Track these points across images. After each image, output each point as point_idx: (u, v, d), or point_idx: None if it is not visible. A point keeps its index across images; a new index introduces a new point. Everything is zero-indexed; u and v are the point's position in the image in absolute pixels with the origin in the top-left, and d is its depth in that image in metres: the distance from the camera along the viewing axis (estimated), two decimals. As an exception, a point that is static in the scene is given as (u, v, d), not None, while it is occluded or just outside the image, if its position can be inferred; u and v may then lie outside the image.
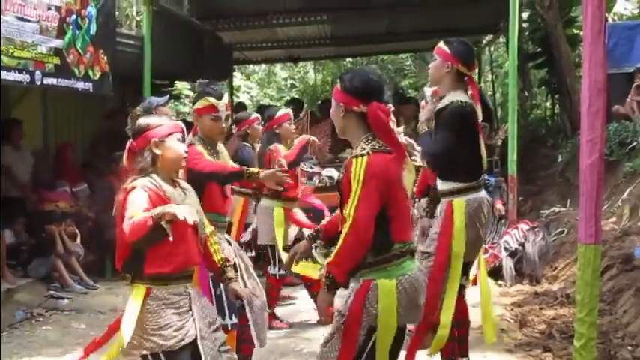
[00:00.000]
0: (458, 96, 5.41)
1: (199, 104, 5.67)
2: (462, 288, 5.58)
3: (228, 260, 4.76)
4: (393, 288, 3.78)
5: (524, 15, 15.09)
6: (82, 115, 12.81)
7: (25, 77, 7.98)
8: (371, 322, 3.80)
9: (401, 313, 3.81)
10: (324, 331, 7.60)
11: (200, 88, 5.88)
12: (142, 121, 4.28)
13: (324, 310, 3.98)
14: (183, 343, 4.05)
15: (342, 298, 3.94)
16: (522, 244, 9.47)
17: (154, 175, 4.10)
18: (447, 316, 5.34)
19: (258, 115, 8.67)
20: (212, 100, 5.60)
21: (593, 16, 4.30)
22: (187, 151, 4.33)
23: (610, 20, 13.32)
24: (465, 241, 5.33)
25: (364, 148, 3.81)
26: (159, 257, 4.03)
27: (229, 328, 5.45)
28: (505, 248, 9.48)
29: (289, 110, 8.28)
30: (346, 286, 3.88)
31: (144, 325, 4.02)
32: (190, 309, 4.17)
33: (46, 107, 11.66)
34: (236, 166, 5.90)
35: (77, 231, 10.29)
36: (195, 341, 4.11)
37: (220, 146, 5.89)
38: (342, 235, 3.74)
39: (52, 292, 9.37)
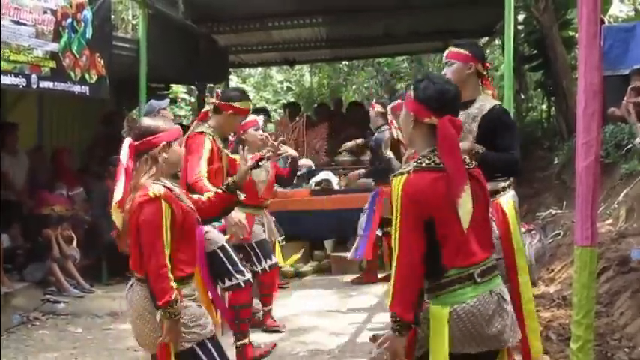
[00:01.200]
0: (489, 99, 5.45)
1: (243, 105, 6.26)
2: None
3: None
4: (445, 316, 3.52)
5: (520, 17, 15.11)
6: (78, 119, 12.81)
7: (21, 81, 7.97)
8: (425, 344, 3.60)
9: (455, 342, 3.51)
10: (320, 335, 7.65)
11: (237, 90, 6.31)
12: (149, 123, 4.36)
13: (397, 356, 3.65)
14: (214, 329, 4.38)
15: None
16: (519, 247, 9.46)
17: (163, 179, 4.27)
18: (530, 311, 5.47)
19: (257, 118, 8.06)
20: (250, 103, 6.30)
21: (589, 18, 4.30)
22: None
23: (606, 22, 13.33)
24: None
25: (409, 166, 3.61)
26: (183, 261, 4.24)
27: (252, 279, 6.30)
28: (502, 250, 9.46)
29: (258, 117, 8.06)
30: (418, 324, 3.61)
31: (183, 322, 4.17)
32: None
33: (41, 111, 11.67)
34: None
35: (73, 235, 10.29)
36: None
37: None
38: (393, 271, 3.56)
39: (48, 296, 9.37)
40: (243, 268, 6.40)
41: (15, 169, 10.16)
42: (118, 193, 4.31)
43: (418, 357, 3.66)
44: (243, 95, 6.39)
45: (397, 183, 3.56)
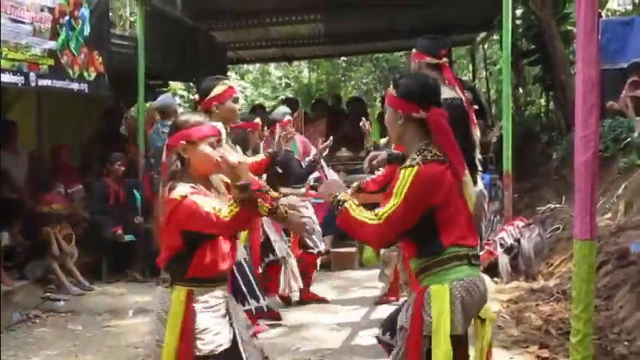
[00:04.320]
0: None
1: (219, 90, 5.47)
2: None
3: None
4: (446, 293, 3.65)
5: (518, 12, 15.12)
6: (77, 116, 12.80)
7: (19, 79, 7.97)
8: (429, 332, 3.65)
9: (456, 321, 3.65)
10: (321, 330, 7.65)
11: (207, 81, 5.66)
12: (182, 117, 4.13)
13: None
14: (221, 348, 3.95)
15: (403, 313, 3.84)
16: (518, 241, 9.47)
17: (188, 180, 3.96)
18: None
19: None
20: (228, 82, 5.55)
21: (587, 12, 4.30)
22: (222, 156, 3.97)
23: (603, 16, 13.33)
24: None
25: (414, 159, 3.70)
26: (204, 261, 3.92)
27: (265, 310, 5.54)
28: (501, 245, 9.47)
29: (288, 115, 8.14)
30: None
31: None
32: (228, 313, 4.08)
33: (40, 108, 11.66)
34: None
35: (72, 232, 10.28)
36: (235, 346, 4.02)
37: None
38: (367, 218, 3.66)
39: (48, 294, 9.35)
40: (259, 293, 6.18)
41: (15, 168, 10.14)
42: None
43: (427, 345, 3.68)
44: (216, 81, 5.66)
45: (408, 173, 3.65)
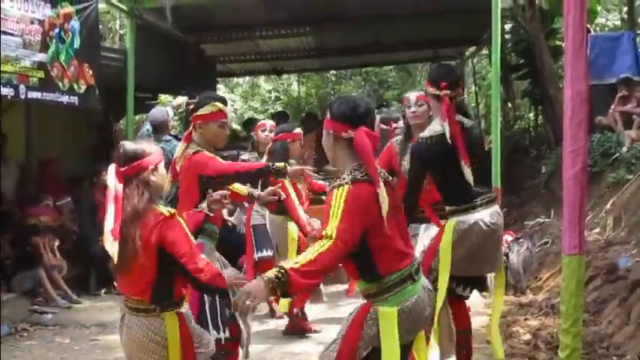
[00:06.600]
0: (431, 127, 5.38)
1: (205, 110, 5.43)
2: (460, 298, 5.67)
3: None
4: (394, 315, 3.70)
5: (507, 27, 15.18)
6: (66, 129, 12.76)
7: (9, 91, 7.95)
8: (371, 343, 3.75)
9: (402, 334, 3.72)
10: (308, 344, 7.63)
11: (203, 96, 5.62)
12: (134, 147, 4.16)
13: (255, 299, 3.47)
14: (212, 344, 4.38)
15: (342, 327, 3.92)
16: (506, 255, 9.45)
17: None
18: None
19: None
20: (220, 105, 5.47)
21: (575, 27, 4.32)
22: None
23: (592, 32, 13.40)
24: (455, 257, 5.29)
25: (344, 178, 3.70)
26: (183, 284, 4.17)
27: (223, 342, 5.35)
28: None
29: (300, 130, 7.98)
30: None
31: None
32: None
33: (29, 121, 11.62)
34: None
35: (61, 245, 10.23)
36: None
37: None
38: (319, 249, 3.53)
39: (36, 306, 9.33)
40: (220, 325, 5.60)
41: (3, 179, 10.11)
42: (109, 222, 4.03)
43: (365, 357, 3.80)
44: (210, 99, 5.59)
45: (339, 193, 3.65)
